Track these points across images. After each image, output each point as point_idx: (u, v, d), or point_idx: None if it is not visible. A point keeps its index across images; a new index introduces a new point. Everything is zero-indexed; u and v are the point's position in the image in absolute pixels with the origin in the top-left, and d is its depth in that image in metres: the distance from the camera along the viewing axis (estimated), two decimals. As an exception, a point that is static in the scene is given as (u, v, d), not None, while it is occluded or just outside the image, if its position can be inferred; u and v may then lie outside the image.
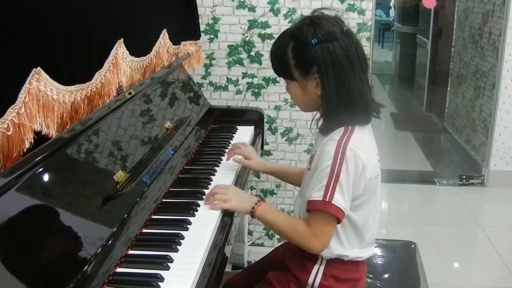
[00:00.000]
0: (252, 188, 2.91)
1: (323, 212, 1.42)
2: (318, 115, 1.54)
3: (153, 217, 1.51)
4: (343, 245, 1.52)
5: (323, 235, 1.46)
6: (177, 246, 1.35)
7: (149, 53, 1.99)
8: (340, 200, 1.40)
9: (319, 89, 1.46)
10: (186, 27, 2.49)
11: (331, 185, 1.40)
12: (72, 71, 1.40)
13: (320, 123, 1.55)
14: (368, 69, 1.53)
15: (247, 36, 2.74)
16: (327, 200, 1.40)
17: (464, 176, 4.20)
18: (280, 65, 1.52)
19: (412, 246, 2.09)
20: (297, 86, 1.51)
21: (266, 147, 2.85)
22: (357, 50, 1.45)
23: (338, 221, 1.45)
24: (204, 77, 2.83)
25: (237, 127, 2.37)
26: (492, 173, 4.10)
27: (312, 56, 1.43)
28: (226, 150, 2.08)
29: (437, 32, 6.10)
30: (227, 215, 1.57)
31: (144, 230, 1.43)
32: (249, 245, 2.98)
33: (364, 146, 1.45)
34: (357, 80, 1.44)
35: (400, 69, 8.26)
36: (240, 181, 1.86)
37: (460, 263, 3.12)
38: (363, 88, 1.46)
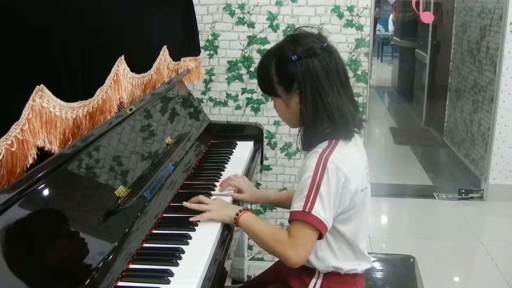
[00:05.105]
0: (253, 203, 2.91)
1: (303, 222, 1.42)
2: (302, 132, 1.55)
3: (154, 231, 1.52)
4: (337, 257, 1.52)
5: (301, 246, 1.44)
6: (178, 261, 1.36)
7: (150, 70, 2.01)
8: (320, 211, 1.40)
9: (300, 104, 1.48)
10: (186, 43, 2.52)
11: (312, 196, 1.40)
12: (74, 88, 1.43)
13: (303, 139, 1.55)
14: (349, 85, 1.52)
15: (246, 52, 2.78)
16: (306, 210, 1.40)
17: (463, 190, 4.20)
18: (264, 82, 1.55)
19: (411, 260, 2.09)
20: (281, 102, 1.53)
21: (265, 162, 2.87)
22: (337, 66, 1.47)
23: (320, 235, 1.44)
24: (204, 93, 2.85)
25: (237, 142, 2.38)
26: (491, 187, 4.10)
27: (293, 72, 1.45)
28: (226, 166, 2.10)
29: (435, 46, 6.15)
30: (227, 230, 1.58)
31: (145, 245, 1.45)
32: (249, 259, 2.98)
33: (347, 159, 1.44)
34: (335, 96, 1.45)
35: (399, 83, 8.30)
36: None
37: (459, 277, 3.12)
38: (342, 104, 1.47)
